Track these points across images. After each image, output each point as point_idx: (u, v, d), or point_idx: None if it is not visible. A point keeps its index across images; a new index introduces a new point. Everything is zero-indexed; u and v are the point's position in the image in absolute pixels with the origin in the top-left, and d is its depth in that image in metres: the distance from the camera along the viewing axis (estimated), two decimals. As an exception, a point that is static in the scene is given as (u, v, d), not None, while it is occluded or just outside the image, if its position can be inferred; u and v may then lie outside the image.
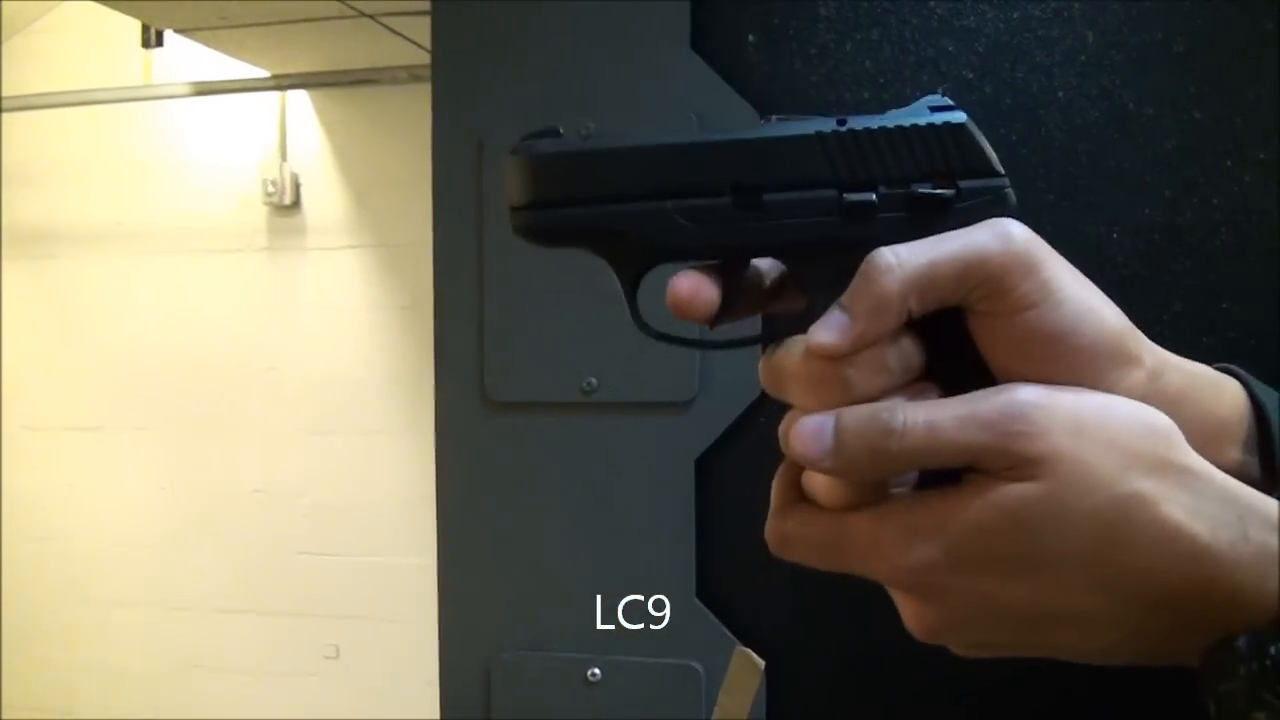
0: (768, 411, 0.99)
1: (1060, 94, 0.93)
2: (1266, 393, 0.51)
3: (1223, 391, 0.51)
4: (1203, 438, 0.45)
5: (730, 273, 0.48)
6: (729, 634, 1.00)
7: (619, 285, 0.49)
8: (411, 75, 3.09)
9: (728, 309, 0.48)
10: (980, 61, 0.94)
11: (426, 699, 1.10)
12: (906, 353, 0.45)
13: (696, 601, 1.01)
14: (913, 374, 0.45)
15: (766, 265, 0.50)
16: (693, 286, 0.46)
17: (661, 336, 0.49)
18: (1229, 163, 0.92)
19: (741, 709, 0.87)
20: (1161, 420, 0.44)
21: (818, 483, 0.46)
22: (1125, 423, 0.43)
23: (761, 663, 0.87)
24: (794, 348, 0.45)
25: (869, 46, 0.95)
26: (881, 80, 0.95)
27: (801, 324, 0.45)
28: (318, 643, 3.43)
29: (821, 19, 0.97)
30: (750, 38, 0.99)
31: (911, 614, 0.47)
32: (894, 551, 0.44)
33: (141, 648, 3.58)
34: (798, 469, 0.48)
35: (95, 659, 3.62)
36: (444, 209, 1.07)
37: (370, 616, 3.37)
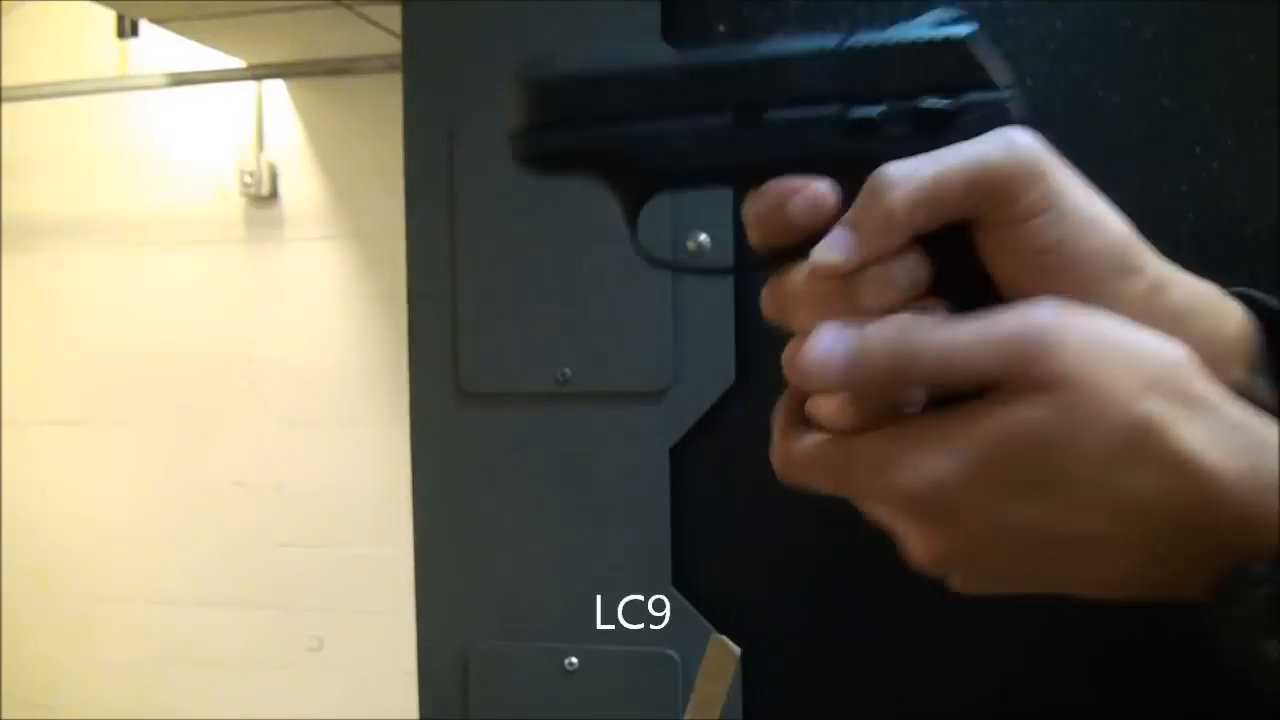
0: (743, 401, 1.00)
1: (1028, 81, 0.93)
2: None
3: (1226, 311, 0.51)
4: (1206, 356, 0.45)
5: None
6: (705, 622, 1.00)
7: (619, 212, 0.48)
8: (388, 65, 3.07)
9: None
10: (950, 50, 0.94)
11: (410, 689, 1.10)
12: (912, 268, 0.44)
13: (673, 590, 1.01)
14: (919, 289, 0.45)
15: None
16: (813, 195, 0.45)
17: (663, 264, 0.49)
18: (1197, 150, 0.92)
19: (718, 696, 0.88)
20: (1179, 348, 0.44)
21: (826, 407, 0.46)
22: (1143, 347, 0.43)
23: (737, 650, 0.88)
24: (799, 271, 0.45)
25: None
26: (852, 69, 0.95)
27: (806, 251, 0.45)
28: (300, 634, 3.42)
29: (791, 9, 0.97)
30: (720, 28, 0.99)
31: (919, 540, 0.46)
32: (905, 470, 0.43)
33: (123, 641, 3.57)
34: (801, 395, 0.47)
35: (77, 654, 3.61)
36: (416, 199, 1.07)
37: (353, 608, 3.36)
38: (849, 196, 0.44)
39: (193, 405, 3.47)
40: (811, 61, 0.46)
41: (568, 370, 1.02)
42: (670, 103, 0.46)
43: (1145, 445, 0.42)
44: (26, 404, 3.62)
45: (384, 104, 3.14)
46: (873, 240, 0.43)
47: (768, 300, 0.47)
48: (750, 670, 0.99)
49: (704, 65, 0.47)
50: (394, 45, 3.01)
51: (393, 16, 2.79)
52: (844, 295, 0.44)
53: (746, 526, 1.01)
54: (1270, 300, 0.52)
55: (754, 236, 0.48)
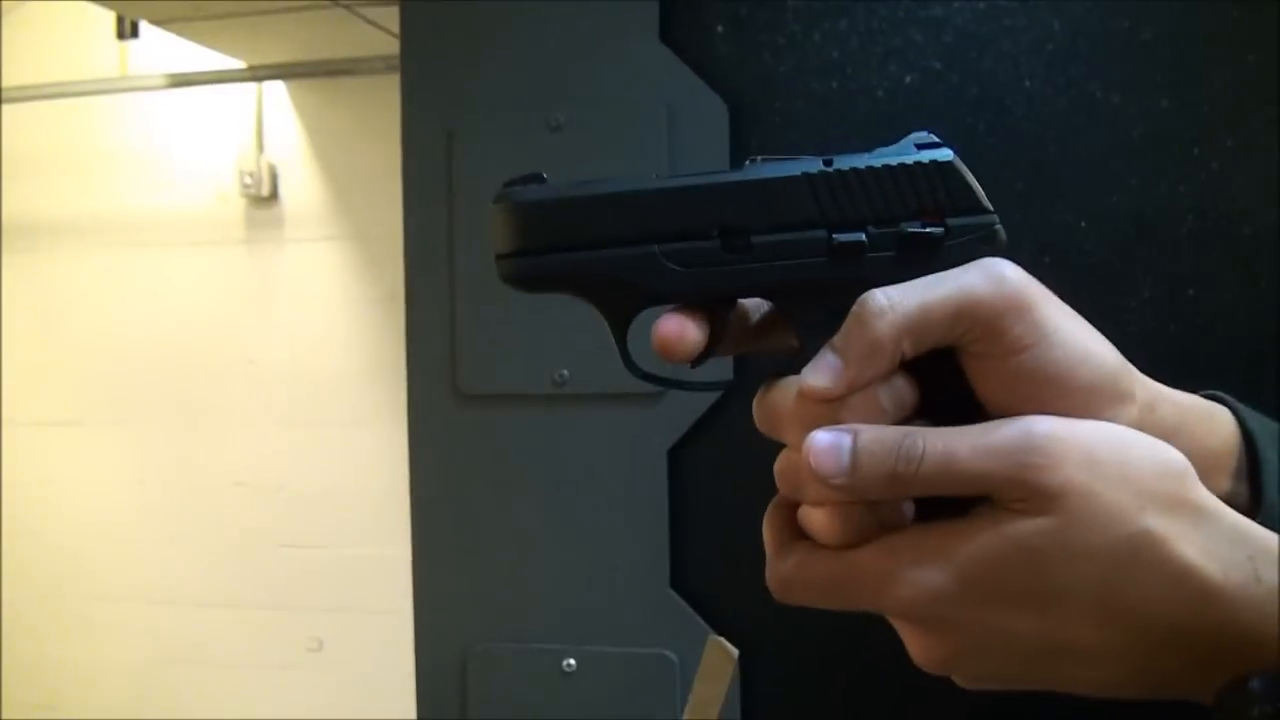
0: (740, 402, 1.00)
1: (1027, 83, 0.93)
2: (1256, 419, 0.52)
3: (1214, 422, 0.51)
4: (1195, 469, 0.45)
5: (716, 312, 0.48)
6: (703, 623, 1.00)
7: (608, 329, 0.49)
8: (388, 66, 3.07)
9: (713, 348, 0.48)
10: (947, 51, 0.94)
11: (409, 690, 1.10)
12: (899, 392, 0.45)
13: (670, 591, 1.01)
14: (906, 412, 0.45)
15: (752, 303, 0.50)
16: (678, 328, 0.46)
17: (653, 379, 0.49)
18: (1196, 150, 0.92)
19: (716, 698, 0.87)
20: (1177, 457, 0.44)
21: (817, 519, 0.46)
22: (1140, 458, 0.43)
23: (735, 651, 0.87)
24: (788, 389, 0.45)
25: (836, 36, 0.95)
26: (849, 70, 0.95)
27: (795, 364, 0.45)
28: (300, 635, 3.42)
29: (789, 9, 0.97)
30: (719, 29, 0.99)
31: (919, 646, 0.46)
32: (903, 583, 0.43)
33: (123, 642, 3.57)
34: (790, 508, 0.47)
35: (77, 654, 3.61)
36: (414, 201, 1.07)
37: (353, 608, 3.36)
38: (836, 320, 0.44)
39: (193, 406, 3.47)
40: (796, 186, 0.46)
41: (565, 372, 1.02)
42: (656, 227, 0.47)
43: (1144, 558, 0.42)
44: (26, 404, 3.62)
45: (384, 105, 3.12)
46: (858, 366, 0.44)
47: (758, 413, 0.48)
48: (748, 672, 0.99)
49: (690, 189, 0.47)
50: (394, 46, 2.98)
51: (393, 17, 2.78)
52: (830, 419, 0.44)
53: (745, 527, 1.00)
54: (1244, 411, 0.52)
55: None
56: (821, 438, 0.43)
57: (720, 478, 1.01)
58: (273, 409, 3.40)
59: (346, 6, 2.69)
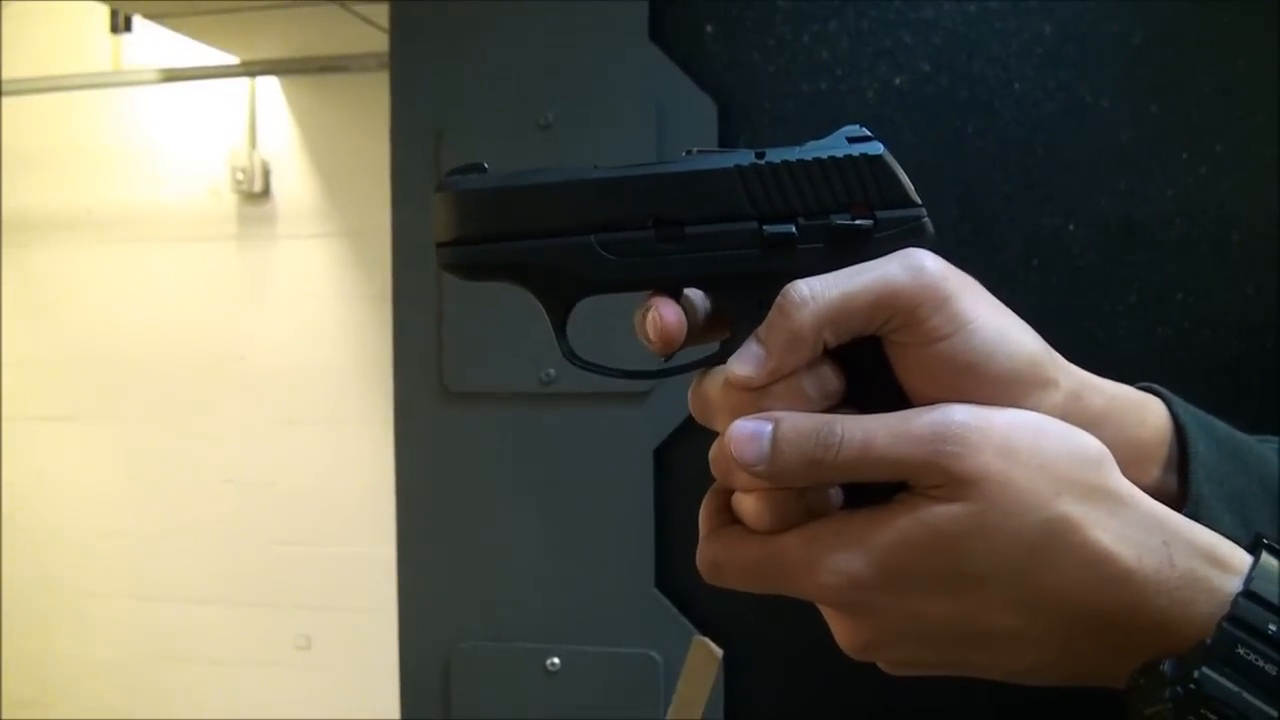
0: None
1: (1017, 86, 0.93)
2: (1188, 411, 0.52)
3: (1145, 413, 0.52)
4: (1122, 458, 0.46)
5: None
6: (687, 623, 1.00)
7: (546, 318, 0.49)
8: (381, 63, 3.07)
9: None
10: (937, 53, 0.94)
11: (397, 689, 1.10)
12: (825, 380, 0.46)
13: (655, 591, 1.01)
14: (832, 400, 0.46)
15: (699, 296, 0.51)
16: (679, 318, 0.47)
17: (590, 367, 0.50)
18: (1185, 155, 0.92)
19: (700, 698, 0.87)
20: (1093, 444, 0.44)
21: (747, 504, 0.46)
22: (1057, 446, 0.44)
23: (719, 652, 0.88)
24: (718, 378, 0.46)
25: (826, 38, 0.95)
26: (839, 72, 0.95)
27: (728, 354, 0.46)
28: (289, 633, 3.41)
29: (779, 10, 0.97)
30: (708, 28, 0.99)
31: (842, 631, 0.47)
32: (824, 570, 0.44)
33: (113, 638, 3.56)
34: (725, 494, 0.48)
35: (67, 649, 3.60)
36: (402, 198, 1.07)
37: (342, 606, 3.36)
38: (767, 310, 0.45)
39: (184, 401, 3.46)
40: (728, 178, 0.47)
41: (552, 370, 1.02)
42: (593, 217, 0.48)
43: (1058, 544, 0.43)
44: (19, 399, 3.61)
45: (377, 102, 3.10)
46: (781, 355, 0.44)
47: (693, 403, 0.49)
48: (731, 672, 0.99)
49: (625, 180, 0.47)
50: (387, 43, 2.98)
51: (385, 14, 2.78)
52: (755, 407, 0.45)
53: (730, 528, 1.00)
54: (1176, 402, 0.53)
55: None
56: (742, 426, 0.44)
57: (706, 478, 1.01)
58: (264, 405, 3.40)
59: (340, 3, 2.69)
